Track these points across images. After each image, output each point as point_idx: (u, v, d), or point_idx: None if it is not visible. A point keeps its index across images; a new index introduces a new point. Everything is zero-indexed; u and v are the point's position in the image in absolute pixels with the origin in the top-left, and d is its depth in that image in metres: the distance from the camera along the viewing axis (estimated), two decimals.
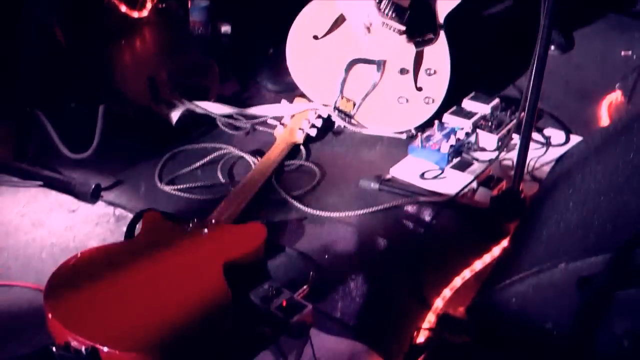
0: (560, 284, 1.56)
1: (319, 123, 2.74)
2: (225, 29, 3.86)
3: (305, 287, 1.94)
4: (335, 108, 2.78)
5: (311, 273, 2.03)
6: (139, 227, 2.12)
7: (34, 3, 2.26)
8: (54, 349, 1.63)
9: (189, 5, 3.84)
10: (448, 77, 2.67)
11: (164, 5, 4.12)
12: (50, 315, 1.67)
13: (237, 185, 2.37)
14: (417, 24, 2.64)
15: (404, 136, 2.74)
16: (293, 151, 2.66)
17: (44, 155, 2.58)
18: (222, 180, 2.53)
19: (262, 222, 2.16)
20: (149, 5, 4.03)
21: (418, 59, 2.69)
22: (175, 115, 2.77)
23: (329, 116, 2.79)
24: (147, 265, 1.89)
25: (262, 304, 1.84)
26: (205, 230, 2.06)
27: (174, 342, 1.65)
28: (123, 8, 3.91)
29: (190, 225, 2.08)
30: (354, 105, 2.77)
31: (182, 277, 1.87)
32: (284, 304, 1.82)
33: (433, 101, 2.69)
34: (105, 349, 1.58)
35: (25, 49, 2.35)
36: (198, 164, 2.58)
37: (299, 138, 2.66)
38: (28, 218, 2.29)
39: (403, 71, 2.71)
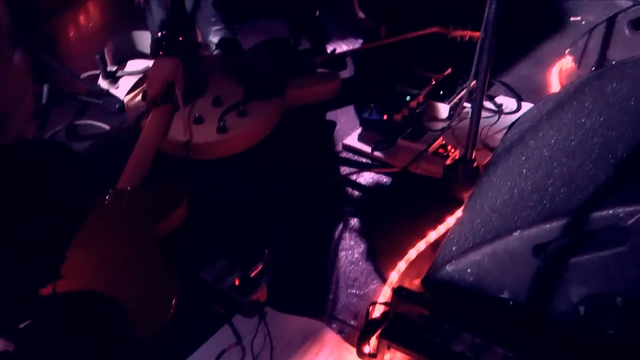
0: (516, 252, 1.55)
1: None
2: None
3: (259, 264, 1.90)
4: None
5: (265, 250, 1.99)
6: None
7: None
8: None
9: None
10: None
11: None
12: None
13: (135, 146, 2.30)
14: None
15: None
16: None
17: None
18: None
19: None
20: None
21: None
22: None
23: None
24: (80, 249, 1.82)
25: (215, 283, 1.81)
26: (124, 199, 2.01)
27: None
28: None
29: (107, 196, 2.02)
30: None
31: (117, 254, 1.83)
32: (237, 282, 1.80)
33: None
34: None
35: None
36: None
37: None
38: None
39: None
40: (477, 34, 3.03)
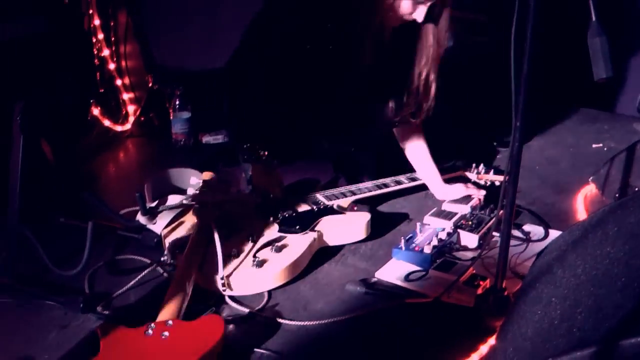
0: None
1: None
2: (207, 139, 3.96)
3: None
4: None
5: None
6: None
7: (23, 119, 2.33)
8: None
9: (171, 117, 3.95)
10: None
11: (145, 118, 4.23)
12: None
13: (172, 280, 2.38)
14: None
15: None
16: None
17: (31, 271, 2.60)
18: None
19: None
20: (131, 119, 4.14)
21: None
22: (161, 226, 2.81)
23: None
24: None
25: None
26: (166, 332, 2.06)
27: None
28: (107, 122, 4.01)
29: (149, 329, 2.08)
30: None
31: None
32: None
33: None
34: None
35: (14, 166, 2.40)
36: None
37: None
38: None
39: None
40: (500, 177, 3.20)
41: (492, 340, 2.14)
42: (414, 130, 3.13)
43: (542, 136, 4.10)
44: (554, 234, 2.77)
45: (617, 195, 2.96)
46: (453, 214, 2.89)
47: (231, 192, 2.97)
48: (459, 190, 3.08)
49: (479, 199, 2.99)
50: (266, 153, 3.01)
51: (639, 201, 2.13)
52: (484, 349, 2.13)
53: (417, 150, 3.18)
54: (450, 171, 3.38)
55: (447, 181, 3.22)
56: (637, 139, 3.14)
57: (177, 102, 3.95)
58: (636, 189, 2.98)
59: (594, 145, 3.89)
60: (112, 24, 4.13)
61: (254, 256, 2.52)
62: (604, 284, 1.77)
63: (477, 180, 3.33)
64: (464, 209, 2.88)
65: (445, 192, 3.13)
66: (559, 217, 3.03)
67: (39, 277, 2.59)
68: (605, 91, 4.53)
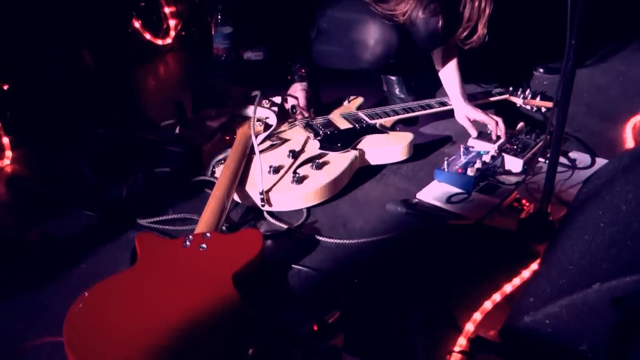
0: (594, 304, 1.56)
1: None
2: (249, 55, 3.92)
3: (336, 312, 1.93)
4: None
5: (342, 297, 2.02)
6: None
7: (64, 28, 2.30)
8: None
9: (212, 32, 3.90)
10: None
11: (186, 32, 4.19)
12: None
13: (211, 192, 2.34)
14: None
15: None
16: None
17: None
18: None
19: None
20: (172, 33, 4.10)
21: None
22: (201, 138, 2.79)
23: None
24: (157, 291, 1.87)
25: (293, 328, 1.84)
26: (204, 244, 2.05)
27: None
28: (147, 36, 3.98)
29: (187, 240, 2.06)
30: None
31: (195, 296, 1.85)
32: (315, 328, 1.82)
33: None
34: None
35: (56, 73, 2.39)
36: None
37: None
38: None
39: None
40: (547, 104, 3.12)
41: (534, 265, 2.11)
42: (449, 46, 3.05)
43: (592, 63, 3.99)
44: (601, 162, 2.71)
45: None
46: (498, 138, 2.83)
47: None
48: (476, 113, 2.98)
49: (503, 135, 2.88)
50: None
51: None
52: (526, 273, 2.10)
53: (446, 61, 3.07)
54: (495, 95, 3.30)
55: (488, 106, 3.14)
56: None
57: (219, 17, 3.89)
58: None
59: None
60: None
61: (294, 172, 2.49)
62: None
63: (523, 105, 3.26)
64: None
65: (464, 107, 3.03)
66: (606, 145, 2.97)
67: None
68: None
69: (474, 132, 2.92)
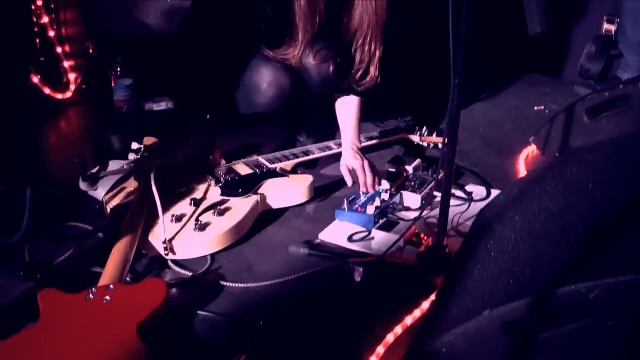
0: (487, 330, 1.61)
1: None
2: (150, 105, 3.91)
3: (241, 355, 1.94)
4: None
5: (248, 341, 2.04)
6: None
7: None
8: None
9: (112, 84, 3.88)
10: None
11: (87, 86, 4.16)
12: None
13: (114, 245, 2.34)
14: None
15: None
16: None
17: None
18: None
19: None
20: (72, 87, 4.07)
21: None
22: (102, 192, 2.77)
23: None
24: (62, 346, 1.85)
25: None
26: (107, 296, 2.04)
27: None
28: (47, 90, 3.94)
29: (90, 293, 2.05)
30: None
31: (100, 349, 1.84)
32: None
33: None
34: None
35: None
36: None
37: None
38: None
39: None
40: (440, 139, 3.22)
41: (433, 297, 2.17)
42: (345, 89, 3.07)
43: (486, 100, 4.14)
44: (496, 193, 2.80)
45: (557, 154, 3.00)
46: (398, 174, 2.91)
47: (175, 157, 2.94)
48: (354, 162, 2.93)
49: (370, 189, 2.86)
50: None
51: (575, 158, 2.17)
52: (425, 304, 2.16)
53: (341, 104, 3.09)
54: (393, 134, 3.39)
55: (389, 144, 3.22)
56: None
57: (119, 69, 3.88)
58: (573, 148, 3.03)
59: (535, 108, 3.95)
60: None
61: (197, 219, 2.51)
62: (542, 237, 1.80)
63: (421, 143, 3.35)
64: (407, 170, 2.89)
65: (346, 155, 3.00)
66: (501, 177, 3.08)
67: None
68: (552, 58, 4.57)
69: (349, 182, 2.94)
